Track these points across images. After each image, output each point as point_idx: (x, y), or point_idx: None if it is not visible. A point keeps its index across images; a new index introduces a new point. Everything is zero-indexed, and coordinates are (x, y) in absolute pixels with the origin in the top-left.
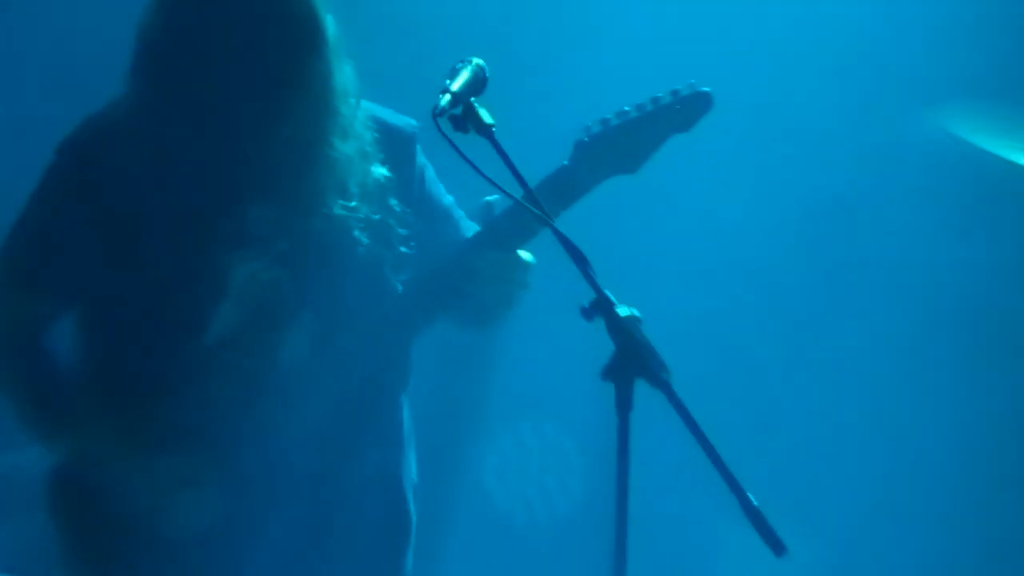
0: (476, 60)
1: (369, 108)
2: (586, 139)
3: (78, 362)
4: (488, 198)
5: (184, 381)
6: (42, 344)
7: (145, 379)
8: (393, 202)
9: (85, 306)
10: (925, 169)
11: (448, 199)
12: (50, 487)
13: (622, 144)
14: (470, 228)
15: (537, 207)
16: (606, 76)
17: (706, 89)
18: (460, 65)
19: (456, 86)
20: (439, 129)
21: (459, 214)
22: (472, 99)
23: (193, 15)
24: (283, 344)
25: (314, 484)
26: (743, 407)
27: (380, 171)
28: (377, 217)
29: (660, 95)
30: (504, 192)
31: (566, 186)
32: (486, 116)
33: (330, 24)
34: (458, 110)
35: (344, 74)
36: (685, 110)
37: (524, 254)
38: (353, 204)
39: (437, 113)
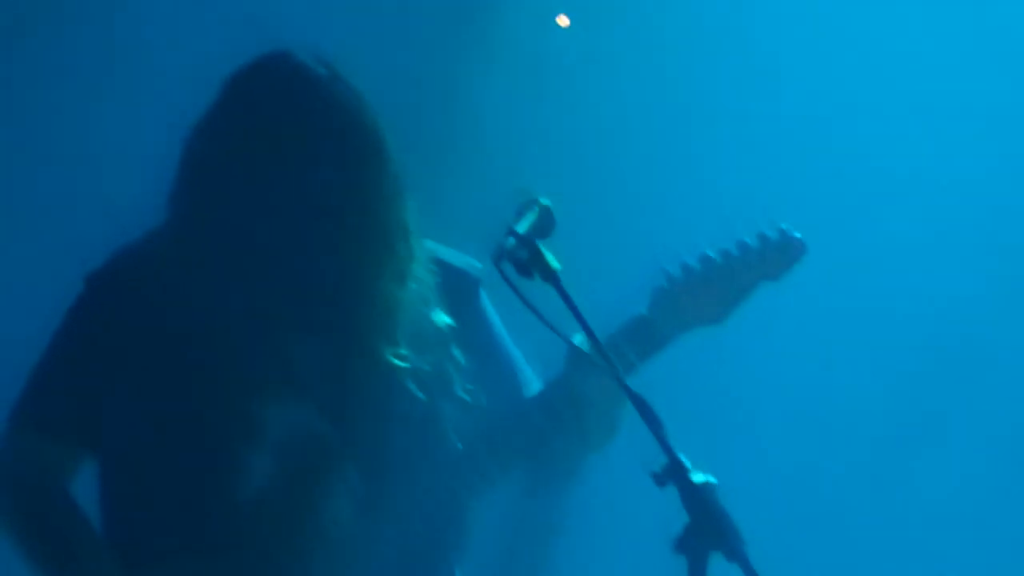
0: (543, 200)
1: (431, 248)
2: (666, 286)
3: (100, 517)
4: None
5: (215, 543)
6: (63, 496)
7: (172, 541)
8: (456, 353)
9: (110, 454)
10: None
11: (516, 353)
12: None
13: (707, 292)
14: (535, 385)
15: (613, 367)
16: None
17: (798, 235)
18: (526, 205)
19: (521, 227)
20: (502, 274)
21: (525, 371)
22: (538, 242)
23: (243, 139)
24: (326, 503)
25: None
26: None
27: (442, 319)
28: (435, 369)
29: (747, 240)
30: (570, 344)
31: (644, 337)
32: (552, 261)
33: (392, 155)
34: (523, 254)
35: (403, 210)
36: (775, 257)
37: None
38: (406, 352)
39: (500, 256)
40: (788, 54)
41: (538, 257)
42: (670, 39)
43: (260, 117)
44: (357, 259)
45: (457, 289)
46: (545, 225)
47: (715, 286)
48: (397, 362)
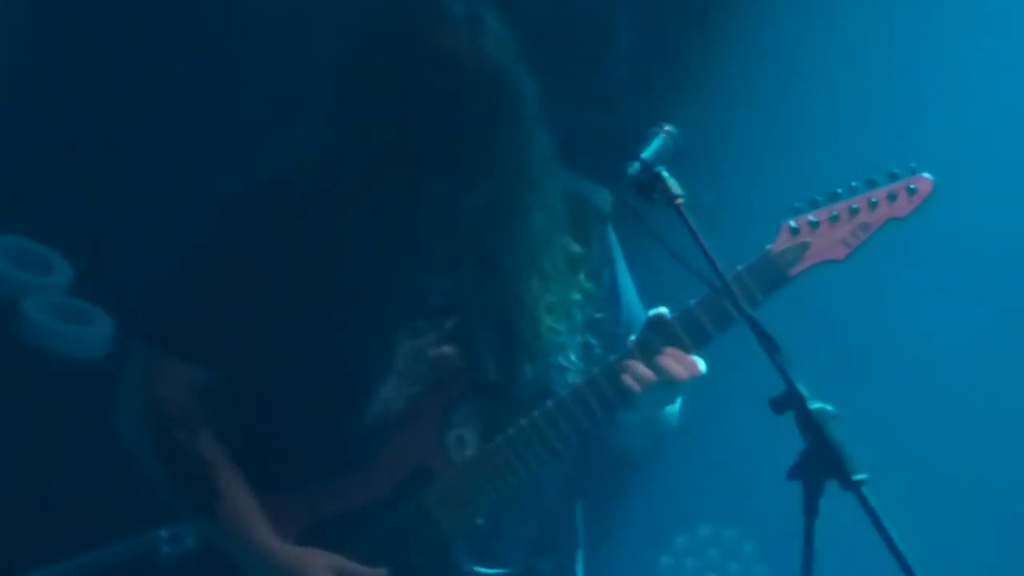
0: (669, 127)
1: (564, 177)
2: (793, 222)
3: (228, 437)
4: (658, 310)
5: (340, 463)
6: (197, 413)
7: (298, 459)
8: (586, 282)
9: (240, 375)
10: None
11: (634, 299)
12: (192, 570)
13: (832, 229)
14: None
15: (735, 299)
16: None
17: (926, 174)
18: (653, 131)
19: (649, 152)
20: (627, 201)
21: (642, 316)
22: (662, 168)
23: (393, 64)
24: (449, 429)
25: None
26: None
27: (574, 247)
28: (566, 298)
29: (875, 177)
30: (692, 271)
31: (768, 273)
32: (675, 187)
33: (529, 90)
34: (647, 176)
35: (539, 143)
36: (903, 195)
37: (696, 363)
38: (539, 283)
39: (626, 181)
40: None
41: (661, 183)
42: None
43: (399, 63)
44: (495, 190)
45: (587, 221)
46: (670, 151)
47: (841, 223)
48: (529, 291)
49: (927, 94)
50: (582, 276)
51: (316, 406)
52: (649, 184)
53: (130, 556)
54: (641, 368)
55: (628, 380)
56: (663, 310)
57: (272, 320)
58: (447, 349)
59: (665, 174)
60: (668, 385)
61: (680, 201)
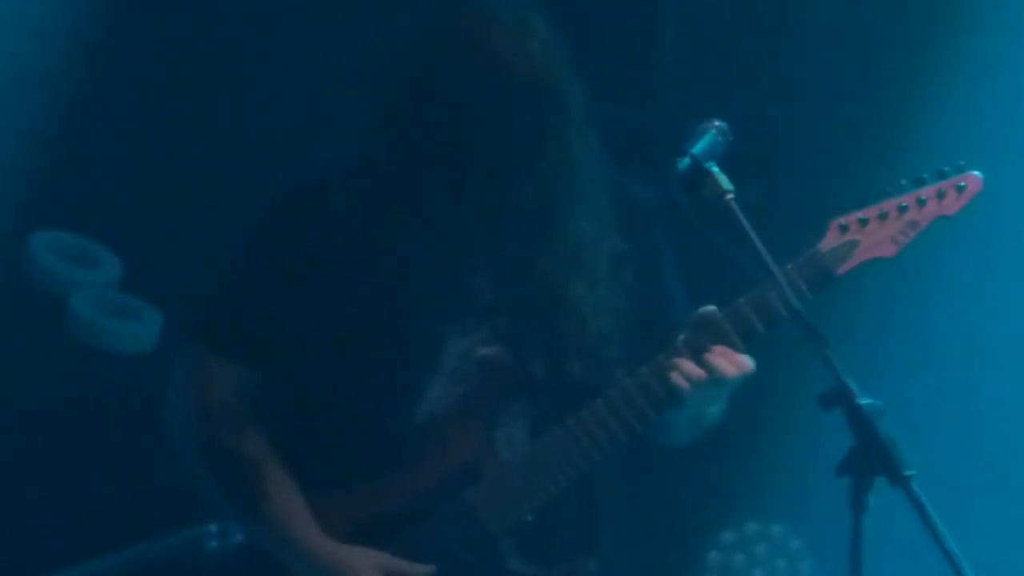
0: (718, 123)
1: (611, 175)
2: (843, 220)
3: (278, 435)
4: (708, 307)
5: (389, 461)
6: (244, 413)
7: (345, 455)
8: (632, 280)
9: (286, 375)
10: None
11: (681, 295)
12: (240, 563)
13: (880, 226)
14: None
15: (786, 296)
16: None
17: (976, 172)
18: (702, 127)
19: (699, 147)
20: (677, 196)
21: (686, 311)
22: (711, 164)
23: (441, 68)
24: (498, 427)
25: None
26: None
27: (620, 246)
28: (612, 297)
29: (924, 175)
30: (744, 267)
31: (818, 270)
32: (725, 182)
33: (577, 94)
34: (697, 172)
35: (586, 146)
36: (952, 193)
37: (745, 360)
38: (584, 285)
39: (675, 177)
40: None
41: (711, 179)
42: None
43: (451, 66)
44: (540, 192)
45: (635, 216)
46: (720, 144)
47: (890, 220)
48: (575, 293)
49: (977, 92)
50: (628, 274)
51: (364, 405)
52: (699, 180)
53: (179, 550)
54: (690, 366)
55: (677, 378)
56: (712, 308)
57: (319, 320)
58: (494, 348)
59: (715, 170)
60: (717, 383)
61: (730, 197)
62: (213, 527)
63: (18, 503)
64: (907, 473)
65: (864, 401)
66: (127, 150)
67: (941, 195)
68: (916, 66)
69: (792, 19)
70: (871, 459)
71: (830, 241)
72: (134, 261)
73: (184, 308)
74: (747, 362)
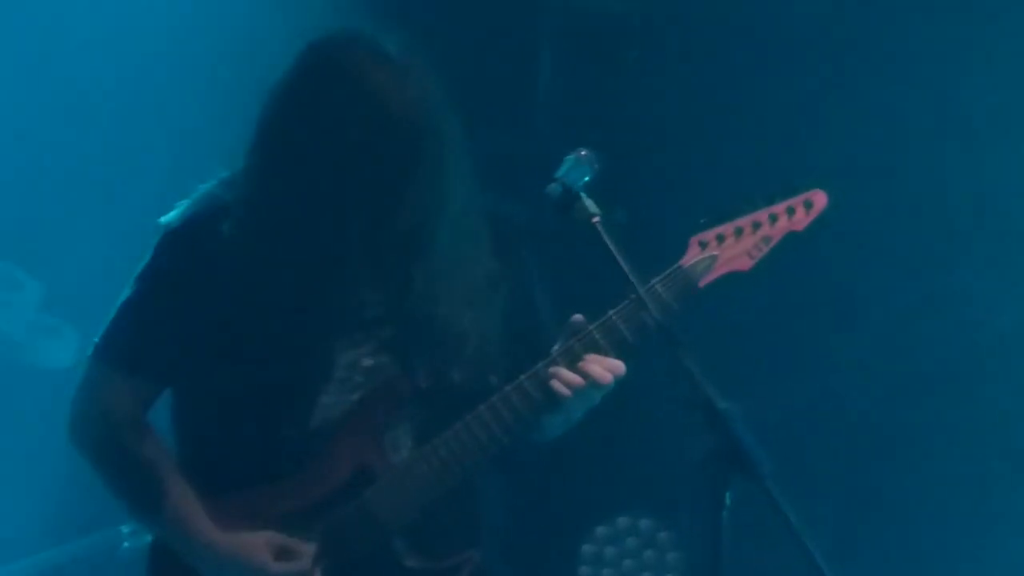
0: (586, 151)
1: (483, 197)
2: (702, 237)
3: (177, 442)
4: (577, 317)
5: (284, 466)
6: (142, 422)
7: (243, 462)
8: (505, 295)
9: (186, 386)
10: None
11: (546, 307)
12: (149, 561)
13: (737, 242)
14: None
15: (650, 308)
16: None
17: (821, 190)
18: (571, 155)
19: (564, 172)
20: (549, 219)
21: (550, 324)
22: (581, 187)
23: (323, 102)
24: (386, 432)
25: None
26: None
27: (493, 263)
28: (485, 318)
29: (773, 193)
30: (625, 284)
31: (680, 284)
32: (592, 206)
33: (453, 125)
34: (565, 198)
35: (460, 174)
36: (800, 210)
37: (618, 364)
38: (461, 300)
39: (546, 202)
40: None
41: (579, 203)
42: None
43: (330, 96)
44: (417, 214)
45: (504, 236)
46: (587, 170)
47: (745, 236)
48: (452, 309)
49: (824, 112)
50: (502, 290)
51: (261, 414)
52: (568, 204)
53: (94, 551)
54: (569, 375)
55: (558, 386)
56: (580, 317)
57: (214, 336)
58: (381, 359)
59: (583, 195)
60: (593, 388)
61: (597, 220)
62: (126, 528)
63: None
64: (759, 471)
65: (722, 406)
66: (51, 184)
67: (790, 212)
68: (762, 91)
69: (656, 60)
70: (728, 458)
71: (691, 257)
72: (54, 284)
73: (97, 325)
74: (620, 366)
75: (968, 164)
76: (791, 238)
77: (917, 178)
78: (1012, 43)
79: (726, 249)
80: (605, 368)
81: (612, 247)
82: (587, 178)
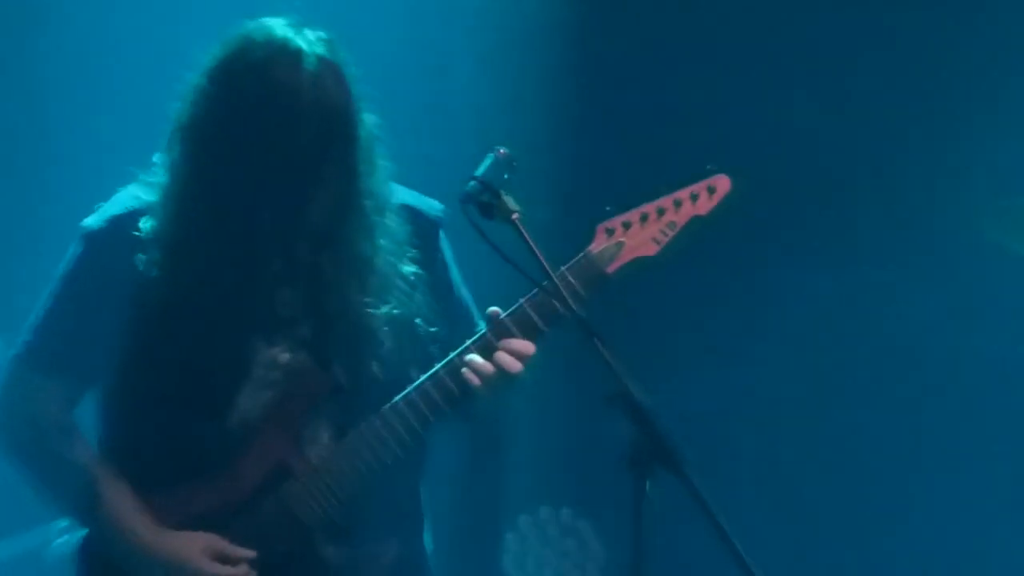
0: (504, 149)
1: (399, 192)
2: (608, 224)
3: (100, 440)
4: (492, 309)
5: (205, 462)
6: (68, 423)
7: (165, 460)
8: (421, 298)
9: (108, 387)
10: None
11: (465, 292)
12: (79, 559)
13: (643, 228)
14: (481, 326)
15: (563, 296)
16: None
17: (724, 173)
18: (489, 154)
19: (483, 173)
20: (466, 215)
21: (471, 309)
22: (499, 187)
23: (231, 103)
24: (305, 429)
25: (338, 574)
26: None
27: (409, 268)
28: (402, 313)
29: (679, 180)
30: (529, 278)
31: (589, 271)
32: (511, 203)
33: (365, 119)
34: (485, 196)
35: (374, 170)
36: (704, 195)
37: (528, 345)
38: (376, 298)
39: (464, 200)
40: None
41: (498, 200)
42: None
43: (240, 93)
44: (329, 213)
45: (420, 231)
46: (506, 171)
47: (650, 223)
48: (368, 307)
49: (739, 108)
50: (418, 280)
51: (179, 413)
52: (488, 200)
53: (26, 547)
54: (480, 363)
55: (469, 375)
56: (495, 309)
57: (134, 337)
58: (299, 355)
59: (503, 192)
60: (504, 376)
61: (517, 216)
62: (61, 524)
63: None
64: (679, 463)
65: (642, 399)
66: None
67: (694, 197)
68: (664, 87)
69: (573, 57)
70: (647, 450)
71: (598, 244)
72: None
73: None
74: (529, 347)
75: (877, 161)
76: (696, 223)
77: (830, 174)
78: (908, 40)
79: (632, 236)
80: (514, 356)
81: (531, 242)
82: (506, 175)
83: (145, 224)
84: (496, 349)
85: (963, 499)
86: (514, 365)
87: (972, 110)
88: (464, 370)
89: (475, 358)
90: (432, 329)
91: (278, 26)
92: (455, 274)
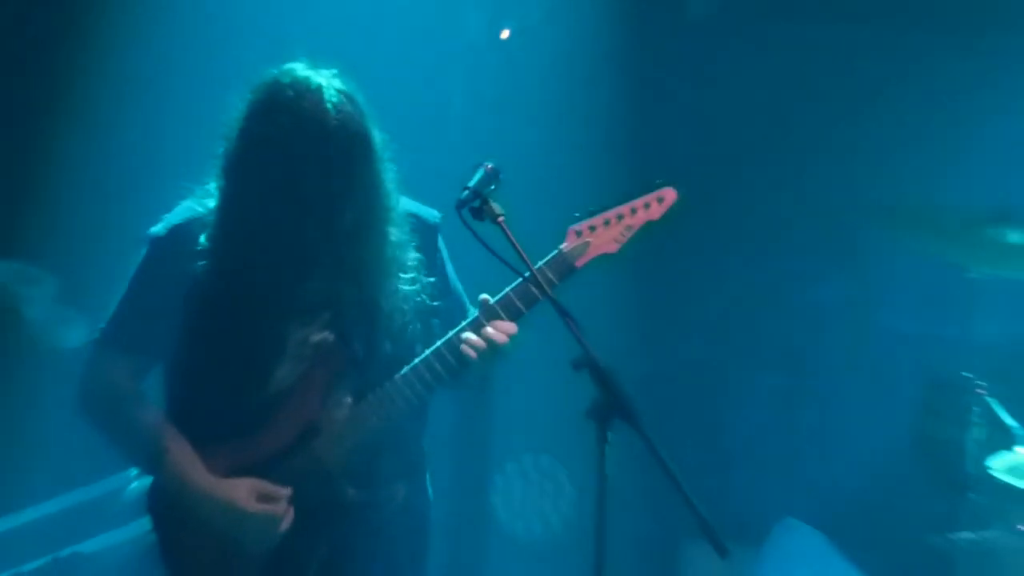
0: (490, 163)
1: (404, 202)
2: (578, 227)
3: (165, 405)
4: (483, 296)
5: (251, 423)
6: (138, 392)
7: (217, 420)
8: (425, 279)
9: (171, 362)
10: None
11: (458, 284)
12: (149, 500)
13: (605, 230)
14: (472, 313)
15: (540, 284)
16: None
17: (671, 187)
18: (478, 166)
19: (474, 184)
20: (461, 218)
21: (463, 298)
22: (487, 194)
23: (272, 131)
24: (332, 395)
25: (355, 512)
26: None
27: (415, 255)
28: (412, 291)
29: (633, 192)
30: (513, 269)
31: (561, 265)
32: (497, 208)
33: (377, 138)
34: (476, 202)
35: (388, 177)
36: (655, 204)
37: (512, 326)
38: (392, 281)
39: (458, 205)
40: None
41: (486, 205)
42: None
43: (277, 126)
44: (358, 214)
45: (422, 232)
46: (492, 181)
47: (612, 226)
48: (380, 296)
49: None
50: (422, 275)
51: (229, 383)
52: (478, 206)
53: (106, 491)
54: (474, 339)
55: (466, 349)
56: (486, 296)
57: (192, 323)
58: (325, 335)
59: (490, 199)
60: (493, 348)
61: (501, 219)
62: (133, 471)
63: None
64: (635, 415)
65: (602, 363)
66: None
67: (647, 205)
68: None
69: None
70: (609, 406)
71: (569, 243)
72: (67, 281)
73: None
74: (512, 327)
75: (794, 166)
76: (650, 225)
77: (755, 184)
78: (824, 58)
79: (596, 236)
80: (500, 332)
81: (514, 240)
82: (492, 186)
83: (201, 231)
84: (485, 327)
85: (865, 441)
86: (501, 340)
87: (871, 121)
88: (462, 346)
89: (470, 336)
90: (434, 303)
91: (299, 68)
92: (451, 270)
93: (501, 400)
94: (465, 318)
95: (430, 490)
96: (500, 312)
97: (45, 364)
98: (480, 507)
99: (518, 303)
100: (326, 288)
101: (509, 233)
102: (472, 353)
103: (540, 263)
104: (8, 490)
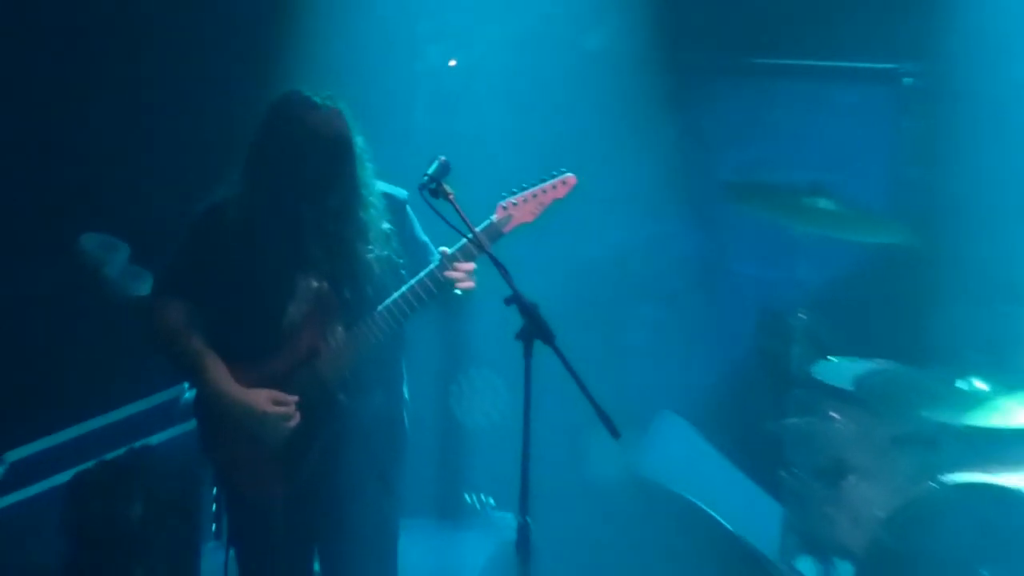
0: (443, 157)
1: (381, 185)
2: (504, 203)
3: (207, 336)
4: (443, 247)
5: (268, 347)
6: (188, 325)
7: (244, 346)
8: (395, 244)
9: (211, 304)
10: None
11: (425, 238)
12: (196, 406)
13: (526, 205)
14: (436, 258)
15: (479, 243)
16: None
17: (571, 174)
18: (434, 159)
19: (432, 171)
20: (423, 196)
21: (432, 249)
22: (441, 178)
23: (281, 138)
24: (328, 327)
25: (346, 412)
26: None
27: (387, 226)
28: (385, 252)
29: (544, 176)
30: (461, 233)
31: (492, 230)
32: (448, 188)
33: (360, 142)
34: (433, 185)
35: (366, 168)
36: (561, 185)
37: (469, 266)
38: (371, 246)
39: (420, 187)
40: None
41: (441, 187)
42: None
43: (287, 132)
44: (344, 196)
45: (394, 206)
46: (445, 169)
47: (529, 202)
48: (364, 254)
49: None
50: (393, 240)
51: (253, 319)
52: (435, 187)
53: (165, 399)
54: (449, 272)
55: (450, 272)
56: (446, 248)
57: (225, 277)
58: (323, 284)
59: (443, 181)
60: (452, 283)
61: (452, 196)
62: (186, 384)
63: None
64: (551, 337)
65: (528, 299)
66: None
67: (555, 187)
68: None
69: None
70: (532, 330)
71: (498, 215)
72: (137, 247)
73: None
74: (472, 265)
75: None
76: (557, 203)
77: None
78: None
79: (518, 210)
80: (457, 269)
81: (461, 212)
82: (446, 173)
83: (230, 210)
84: (447, 268)
85: (721, 353)
86: (459, 276)
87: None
88: (447, 272)
89: (439, 272)
90: (400, 260)
91: (304, 89)
92: (419, 230)
93: (462, 327)
94: (430, 263)
95: (407, 395)
96: (458, 256)
97: (122, 310)
98: (445, 409)
99: (467, 255)
100: (322, 249)
101: (458, 207)
102: (455, 273)
103: (479, 227)
104: (94, 400)
